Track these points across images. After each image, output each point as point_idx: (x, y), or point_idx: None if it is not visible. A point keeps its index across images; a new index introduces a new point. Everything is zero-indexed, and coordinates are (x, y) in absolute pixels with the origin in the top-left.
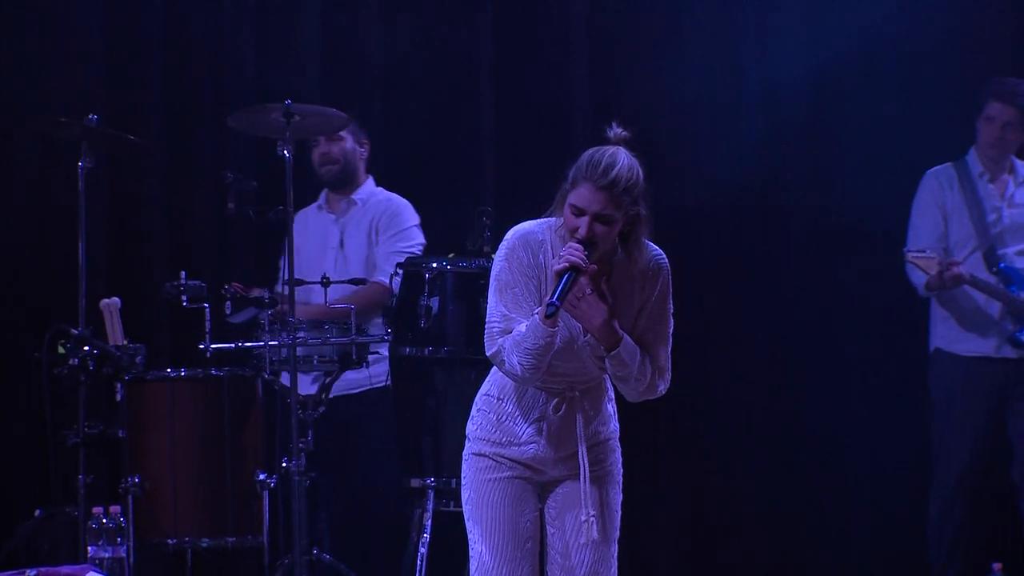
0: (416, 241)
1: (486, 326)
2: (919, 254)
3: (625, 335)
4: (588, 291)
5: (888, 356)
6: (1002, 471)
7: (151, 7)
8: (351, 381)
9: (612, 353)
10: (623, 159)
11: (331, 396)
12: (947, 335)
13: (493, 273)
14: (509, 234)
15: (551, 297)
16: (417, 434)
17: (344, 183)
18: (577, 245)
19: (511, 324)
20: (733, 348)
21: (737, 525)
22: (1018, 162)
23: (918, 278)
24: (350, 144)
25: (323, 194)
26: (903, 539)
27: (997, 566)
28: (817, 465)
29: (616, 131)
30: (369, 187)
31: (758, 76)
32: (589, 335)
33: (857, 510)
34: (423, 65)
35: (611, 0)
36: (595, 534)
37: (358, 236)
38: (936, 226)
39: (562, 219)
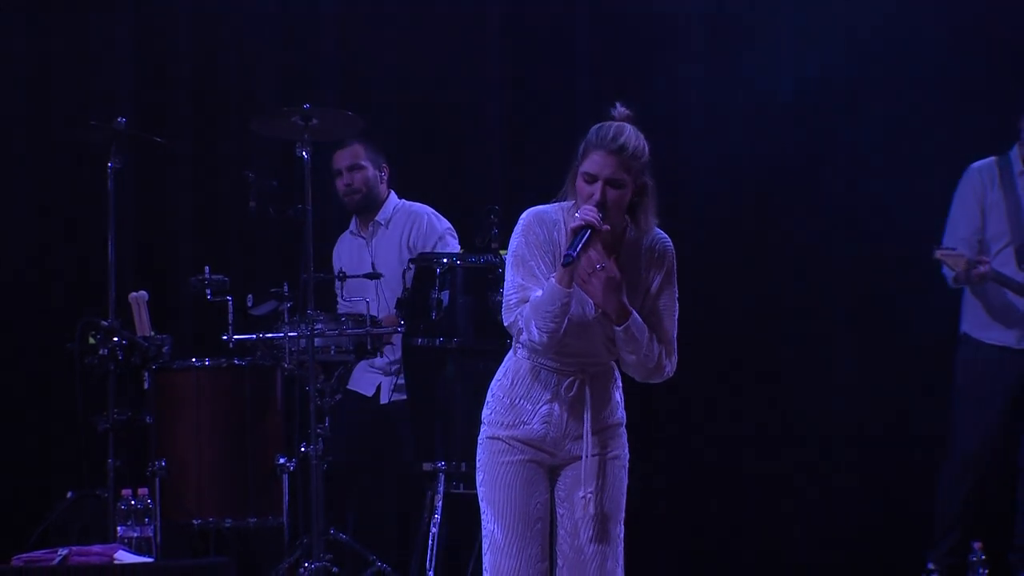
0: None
1: (503, 299)
2: (947, 252)
3: (634, 311)
4: (599, 267)
5: (879, 348)
6: (1011, 455)
7: (179, 14)
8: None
9: (622, 327)
10: (629, 129)
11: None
12: (974, 322)
13: (510, 250)
14: (525, 214)
15: (568, 250)
16: (428, 420)
17: (369, 208)
18: (592, 207)
19: (527, 294)
20: (723, 346)
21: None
22: None
23: (947, 272)
24: (371, 172)
25: (353, 220)
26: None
27: (977, 545)
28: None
29: (620, 110)
30: (391, 203)
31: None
32: (600, 311)
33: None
34: (435, 71)
35: (615, 5)
36: (591, 510)
37: (388, 255)
38: (973, 219)
39: (573, 202)
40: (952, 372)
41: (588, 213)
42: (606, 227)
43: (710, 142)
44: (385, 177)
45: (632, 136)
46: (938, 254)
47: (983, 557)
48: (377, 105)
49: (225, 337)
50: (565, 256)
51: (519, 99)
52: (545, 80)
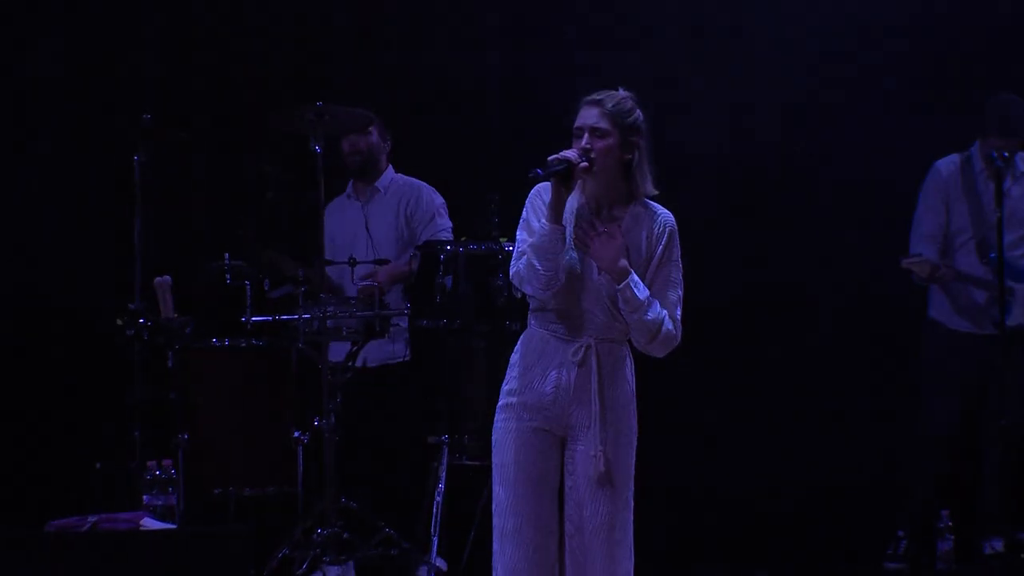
0: (443, 227)
1: (512, 256)
2: (913, 260)
3: (633, 272)
4: (602, 230)
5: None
6: (976, 431)
7: (203, 15)
8: (384, 354)
9: (622, 285)
10: (618, 92)
11: (364, 367)
12: (941, 309)
13: (521, 219)
14: (534, 189)
15: (537, 169)
16: (433, 396)
17: (367, 172)
18: (575, 149)
19: (527, 247)
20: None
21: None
22: (1018, 157)
23: (915, 277)
24: (375, 138)
25: (350, 184)
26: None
27: (945, 512)
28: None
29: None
30: (389, 175)
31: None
32: (603, 275)
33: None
34: (440, 66)
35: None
36: (601, 467)
37: (384, 219)
38: (938, 215)
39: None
40: (920, 355)
41: (569, 151)
42: (583, 164)
43: (699, 133)
44: (388, 149)
45: (617, 95)
46: (904, 263)
47: (950, 524)
48: (388, 102)
49: (243, 319)
50: (531, 172)
51: (517, 97)
52: (542, 70)
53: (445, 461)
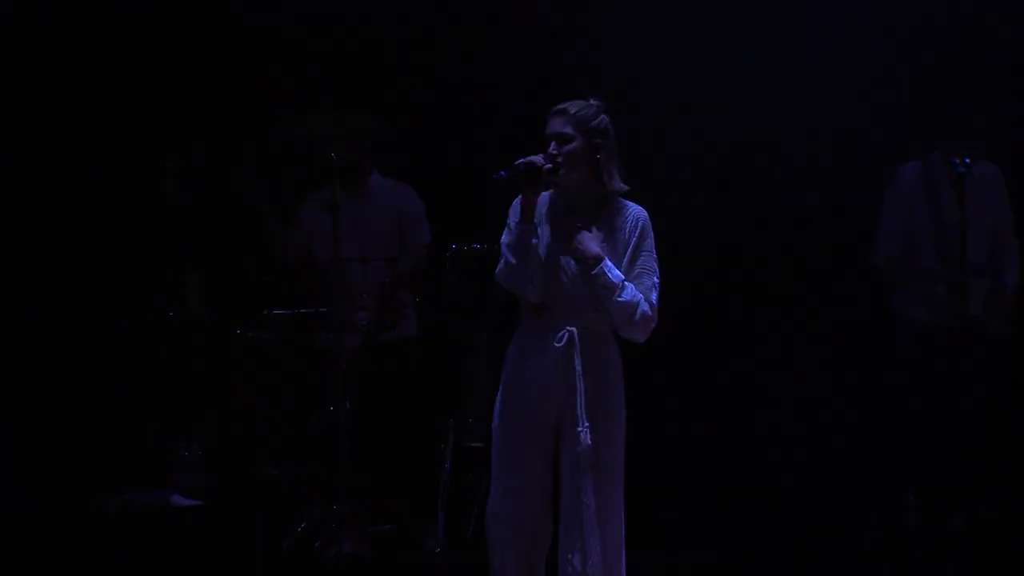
0: (427, 229)
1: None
2: (881, 263)
3: (606, 259)
4: (578, 224)
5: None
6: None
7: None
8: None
9: (596, 271)
10: (581, 101)
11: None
12: (904, 299)
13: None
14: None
15: (501, 171)
16: (439, 384)
17: (358, 175)
18: (541, 155)
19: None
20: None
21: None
22: (978, 164)
23: (879, 272)
24: (367, 143)
25: (328, 187)
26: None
27: (911, 498)
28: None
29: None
30: (376, 176)
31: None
32: (579, 265)
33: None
34: (441, 80)
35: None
36: (588, 441)
37: (371, 216)
38: (902, 216)
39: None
40: (888, 341)
41: (536, 156)
42: (548, 166)
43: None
44: (369, 154)
45: (580, 103)
46: (875, 264)
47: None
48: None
49: (267, 312)
50: (495, 174)
51: (514, 104)
52: (538, 79)
53: (451, 443)
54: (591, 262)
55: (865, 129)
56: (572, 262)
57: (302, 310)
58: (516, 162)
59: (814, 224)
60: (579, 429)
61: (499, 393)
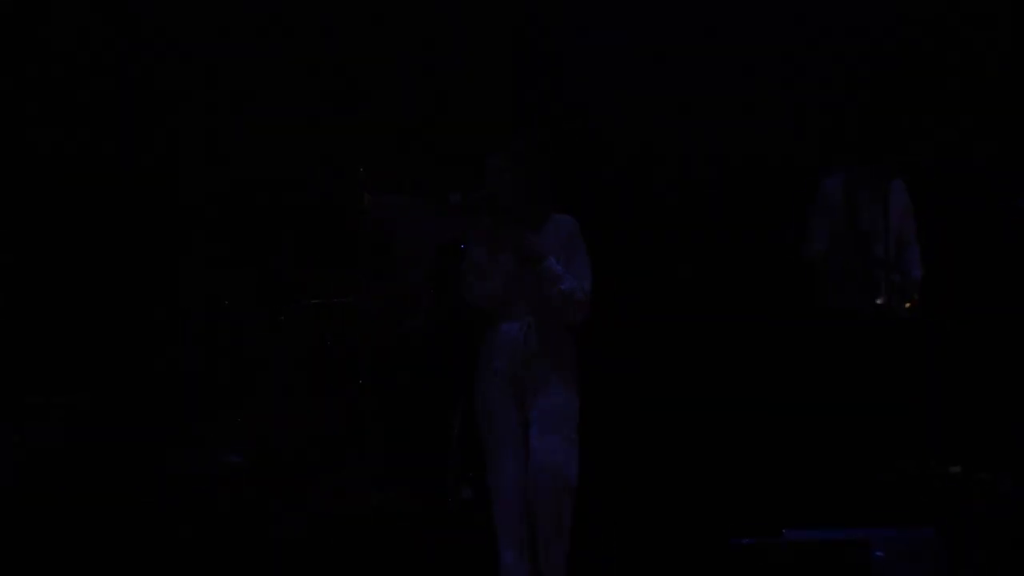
0: None
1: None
2: (814, 256)
3: (550, 257)
4: (527, 235)
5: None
6: None
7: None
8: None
9: (542, 265)
10: (521, 141)
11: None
12: (828, 289)
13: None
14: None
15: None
16: (445, 372)
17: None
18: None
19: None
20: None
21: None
22: (896, 182)
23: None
24: None
25: None
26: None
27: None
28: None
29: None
30: None
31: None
32: (527, 265)
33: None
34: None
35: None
36: (540, 400)
37: None
38: (823, 222)
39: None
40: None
41: (481, 191)
42: (489, 197)
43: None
44: None
45: (516, 143)
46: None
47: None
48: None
49: (299, 302)
50: (451, 193)
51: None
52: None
53: (461, 410)
54: (540, 259)
55: (792, 145)
56: (520, 263)
57: (335, 300)
58: (468, 194)
59: (750, 227)
60: (533, 390)
61: (477, 376)
